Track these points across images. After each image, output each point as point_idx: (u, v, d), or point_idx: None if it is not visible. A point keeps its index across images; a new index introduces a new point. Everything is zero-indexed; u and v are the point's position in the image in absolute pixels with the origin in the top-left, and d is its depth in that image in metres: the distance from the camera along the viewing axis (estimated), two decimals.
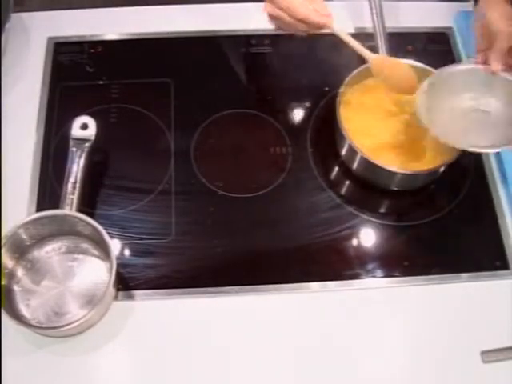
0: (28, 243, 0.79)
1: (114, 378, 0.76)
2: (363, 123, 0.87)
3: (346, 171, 0.89)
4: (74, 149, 0.82)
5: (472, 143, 0.79)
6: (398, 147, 0.86)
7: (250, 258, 0.84)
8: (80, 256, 0.80)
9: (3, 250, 0.74)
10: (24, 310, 0.76)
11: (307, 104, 0.96)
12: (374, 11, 0.90)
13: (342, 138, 0.84)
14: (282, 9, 0.80)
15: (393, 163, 0.83)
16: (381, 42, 0.90)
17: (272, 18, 0.83)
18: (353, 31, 0.99)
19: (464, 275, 0.83)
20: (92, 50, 0.98)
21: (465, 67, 0.85)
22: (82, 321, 0.72)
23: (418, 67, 0.89)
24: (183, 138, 0.91)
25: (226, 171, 0.89)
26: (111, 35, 1.00)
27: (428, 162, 0.85)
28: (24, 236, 0.77)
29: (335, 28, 0.82)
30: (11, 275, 0.77)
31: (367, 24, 0.95)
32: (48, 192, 0.85)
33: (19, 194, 0.85)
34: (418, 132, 0.87)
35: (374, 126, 0.88)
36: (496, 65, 0.80)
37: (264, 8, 0.82)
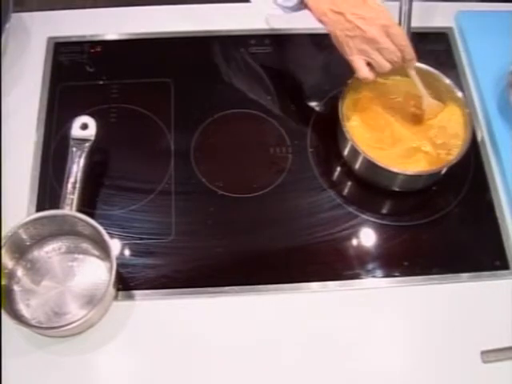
0: (28, 243, 0.79)
1: (114, 378, 0.76)
2: (365, 123, 0.87)
3: (347, 171, 0.89)
4: (74, 149, 0.82)
5: None
6: (400, 147, 0.86)
7: (250, 258, 0.84)
8: (80, 256, 0.80)
9: (3, 250, 0.74)
10: (24, 310, 0.76)
11: (307, 104, 0.96)
12: (403, 10, 0.90)
13: (344, 138, 0.84)
14: (389, 34, 0.78)
15: (395, 164, 0.83)
16: None
17: (365, 43, 0.79)
18: None
19: (464, 275, 0.83)
20: (92, 50, 0.98)
21: None
22: (82, 321, 0.72)
23: (419, 67, 0.89)
24: (183, 137, 0.91)
25: (226, 171, 0.89)
26: (111, 35, 1.00)
27: (430, 162, 0.85)
28: (24, 236, 0.77)
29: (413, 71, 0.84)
30: (11, 275, 0.77)
31: None
32: (48, 192, 0.85)
33: (19, 194, 0.85)
34: (421, 132, 0.87)
35: (376, 125, 0.87)
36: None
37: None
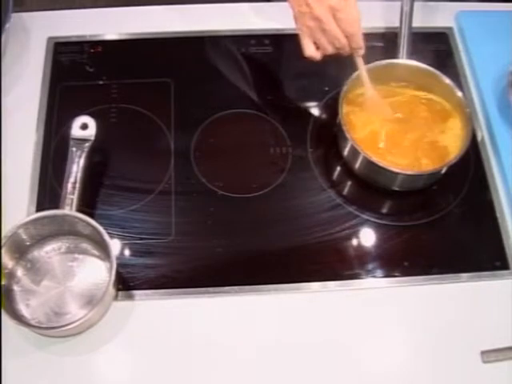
0: (28, 243, 0.79)
1: (114, 378, 0.76)
2: (366, 123, 0.87)
3: (347, 171, 0.89)
4: (74, 149, 0.82)
5: None
6: (401, 147, 0.86)
7: (250, 258, 0.84)
8: (80, 256, 0.80)
9: (3, 250, 0.74)
10: (24, 310, 0.76)
11: (307, 104, 0.96)
12: (404, 10, 0.91)
13: (344, 138, 0.84)
14: (335, 18, 0.77)
15: (395, 164, 0.83)
16: (403, 42, 0.90)
17: (311, 21, 0.78)
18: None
19: (464, 275, 0.83)
20: (92, 50, 0.98)
21: None
22: (82, 321, 0.72)
23: (419, 67, 0.89)
24: (183, 137, 0.91)
25: (225, 171, 0.89)
26: (111, 35, 1.00)
27: (430, 162, 0.85)
28: (24, 236, 0.77)
29: (360, 59, 0.83)
30: (11, 275, 0.77)
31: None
32: (48, 192, 0.85)
33: (19, 194, 0.85)
34: (422, 132, 0.87)
35: (376, 126, 0.87)
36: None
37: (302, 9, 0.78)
